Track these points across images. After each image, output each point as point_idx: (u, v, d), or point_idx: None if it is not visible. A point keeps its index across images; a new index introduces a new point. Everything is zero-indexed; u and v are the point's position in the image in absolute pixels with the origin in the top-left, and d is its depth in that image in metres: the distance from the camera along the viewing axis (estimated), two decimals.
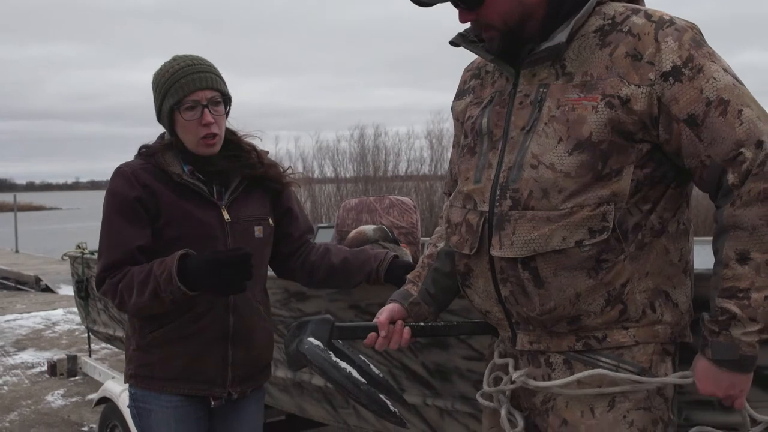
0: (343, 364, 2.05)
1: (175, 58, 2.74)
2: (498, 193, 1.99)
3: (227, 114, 2.80)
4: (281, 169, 2.95)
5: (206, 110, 2.67)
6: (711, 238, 1.92)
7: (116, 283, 2.63)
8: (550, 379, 2.02)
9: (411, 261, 3.09)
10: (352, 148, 20.90)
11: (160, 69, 2.74)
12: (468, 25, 2.11)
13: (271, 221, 2.89)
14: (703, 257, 2.24)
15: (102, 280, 2.67)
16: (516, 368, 2.10)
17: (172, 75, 2.68)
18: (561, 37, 1.95)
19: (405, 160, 21.14)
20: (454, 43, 2.17)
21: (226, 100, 2.77)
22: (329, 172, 21.13)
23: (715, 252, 1.86)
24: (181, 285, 2.49)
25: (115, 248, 2.67)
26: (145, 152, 2.79)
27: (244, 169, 2.82)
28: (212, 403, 2.79)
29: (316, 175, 21.04)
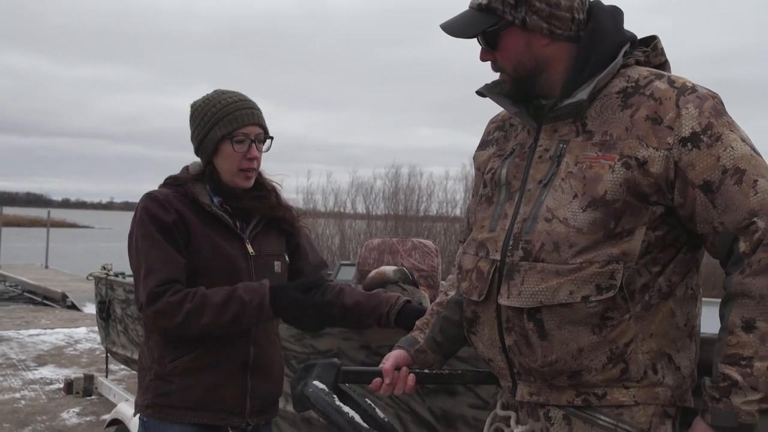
0: (346, 409, 2.05)
1: (223, 92, 2.84)
2: (511, 243, 2.01)
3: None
4: (294, 213, 3.04)
5: (253, 145, 2.79)
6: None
7: (179, 303, 2.61)
8: None
9: (425, 305, 3.11)
10: (386, 186, 20.99)
11: (208, 99, 2.82)
12: (496, 76, 2.16)
13: (286, 258, 2.96)
14: (712, 319, 2.24)
15: (158, 296, 2.62)
16: (517, 420, 2.10)
17: (225, 107, 2.77)
18: (582, 94, 1.98)
19: (437, 201, 21.18)
20: (480, 93, 2.21)
21: (267, 138, 2.87)
22: (361, 208, 21.20)
23: (721, 318, 1.87)
24: (271, 312, 2.65)
25: (169, 264, 2.67)
26: (173, 182, 2.85)
27: (266, 208, 2.90)
28: None
29: (348, 211, 21.13)
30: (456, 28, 2.09)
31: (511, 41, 2.05)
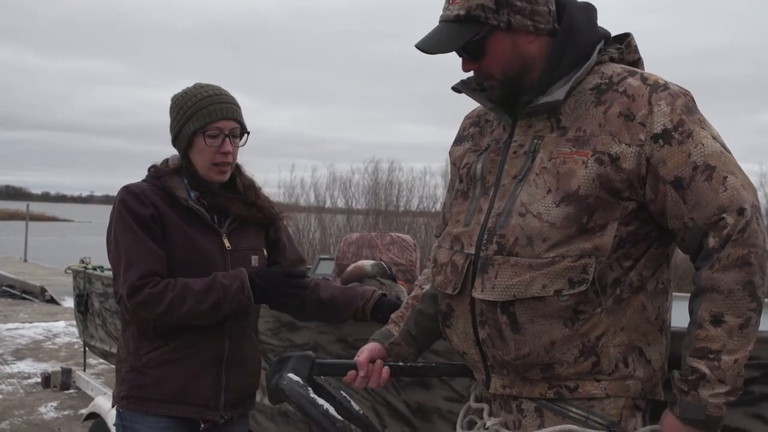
0: (321, 401, 2.06)
1: (201, 86, 2.84)
2: (485, 237, 2.02)
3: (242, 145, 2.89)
4: (272, 207, 3.02)
5: (227, 140, 2.78)
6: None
7: (161, 292, 2.63)
8: (521, 425, 2.04)
9: (403, 299, 3.12)
10: (365, 181, 20.94)
11: (186, 93, 2.83)
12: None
13: (264, 252, 2.96)
14: (683, 314, 2.26)
15: (138, 289, 2.63)
16: (490, 413, 2.13)
17: (200, 100, 2.77)
18: (559, 94, 1.99)
19: (417, 197, 21.15)
20: (456, 89, 2.21)
21: (244, 132, 2.86)
22: (341, 203, 21.14)
23: (691, 312, 1.90)
24: (251, 295, 2.69)
25: (149, 257, 2.68)
26: (154, 173, 2.85)
27: (242, 206, 2.90)
28: (201, 425, 2.81)
29: (327, 205, 21.07)
30: (435, 44, 2.06)
31: (498, 45, 2.04)
